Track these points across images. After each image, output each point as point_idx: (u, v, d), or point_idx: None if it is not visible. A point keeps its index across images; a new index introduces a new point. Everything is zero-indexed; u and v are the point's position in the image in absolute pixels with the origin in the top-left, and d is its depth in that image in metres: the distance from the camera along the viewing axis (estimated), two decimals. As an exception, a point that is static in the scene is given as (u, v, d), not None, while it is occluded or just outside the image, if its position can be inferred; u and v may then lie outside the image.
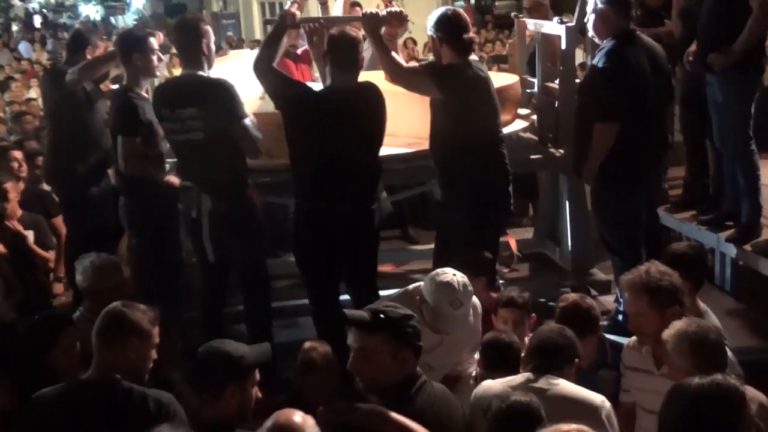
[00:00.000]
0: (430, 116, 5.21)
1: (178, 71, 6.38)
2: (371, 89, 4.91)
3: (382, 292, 4.97)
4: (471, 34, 5.18)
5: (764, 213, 6.09)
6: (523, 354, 3.82)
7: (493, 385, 3.56)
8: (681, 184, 7.23)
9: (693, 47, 6.00)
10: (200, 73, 5.03)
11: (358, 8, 7.53)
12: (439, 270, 4.06)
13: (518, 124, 6.38)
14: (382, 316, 3.17)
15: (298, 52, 7.54)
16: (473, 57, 5.20)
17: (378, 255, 5.29)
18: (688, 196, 6.95)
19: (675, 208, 6.94)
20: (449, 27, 5.09)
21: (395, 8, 5.40)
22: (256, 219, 5.14)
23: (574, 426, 2.41)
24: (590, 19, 5.43)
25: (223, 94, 4.90)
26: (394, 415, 3.04)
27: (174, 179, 5.32)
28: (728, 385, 2.55)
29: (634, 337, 3.98)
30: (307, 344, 4.13)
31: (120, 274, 4.74)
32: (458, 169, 5.16)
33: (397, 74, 5.16)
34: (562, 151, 6.26)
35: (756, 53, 5.84)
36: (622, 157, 5.29)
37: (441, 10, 5.27)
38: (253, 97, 5.73)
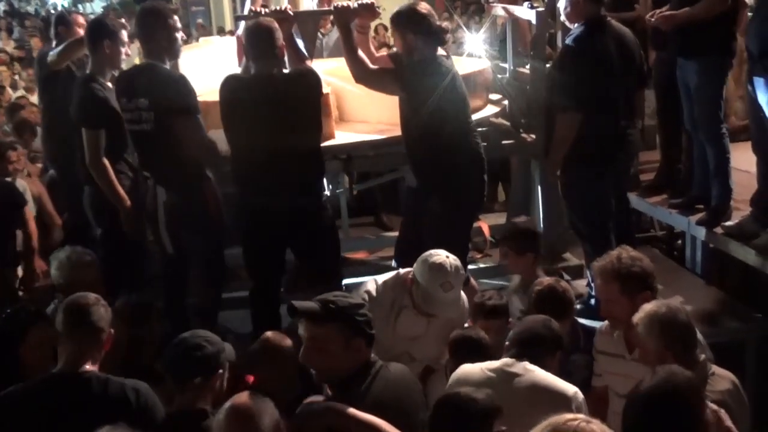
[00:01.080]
0: (399, 106, 5.17)
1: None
2: (298, 76, 4.88)
3: (357, 279, 4.97)
4: (441, 23, 5.14)
5: (734, 196, 6.13)
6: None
7: (472, 369, 3.56)
8: (653, 168, 7.26)
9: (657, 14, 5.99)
10: (158, 63, 4.98)
11: None
12: (432, 251, 4.06)
13: (490, 110, 6.36)
14: (331, 306, 3.13)
15: None
16: (441, 51, 5.13)
17: (351, 243, 5.28)
18: (660, 180, 6.98)
19: (646, 192, 6.97)
20: (415, 22, 5.02)
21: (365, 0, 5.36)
22: (211, 212, 5.07)
23: (569, 415, 2.41)
24: (561, 4, 5.43)
25: (171, 87, 4.87)
26: (350, 410, 3.01)
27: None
28: (681, 384, 2.54)
29: (606, 322, 4.00)
30: (268, 334, 4.09)
31: (95, 270, 4.69)
32: (430, 160, 5.13)
33: (361, 76, 5.12)
34: (533, 136, 6.25)
35: (727, 37, 5.87)
36: (590, 144, 5.31)
37: (404, 5, 5.18)
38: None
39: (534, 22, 6.15)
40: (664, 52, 6.33)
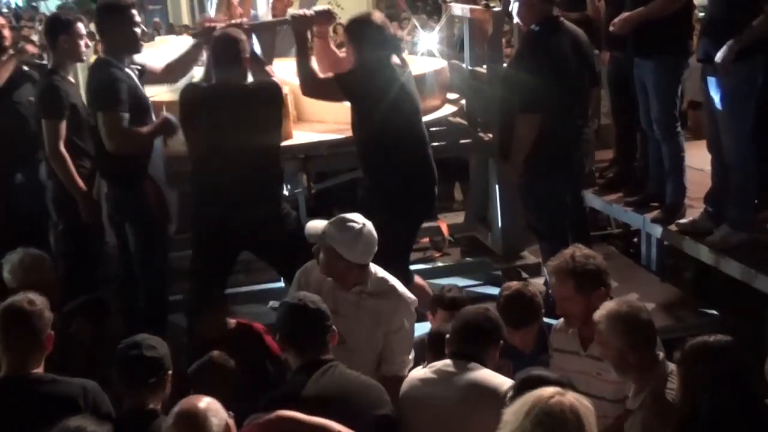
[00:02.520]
0: (350, 111, 5.17)
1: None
2: (259, 88, 4.91)
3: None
4: (395, 32, 5.14)
5: (688, 194, 6.21)
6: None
7: (416, 372, 3.63)
8: (608, 167, 7.34)
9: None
10: (110, 59, 4.99)
11: None
12: (347, 215, 4.06)
13: (447, 109, 6.40)
14: None
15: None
16: (395, 60, 5.11)
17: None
18: (616, 179, 7.05)
19: (602, 191, 7.03)
20: (366, 31, 5.02)
21: (322, 7, 5.35)
22: (148, 210, 5.06)
23: (550, 389, 2.45)
24: (514, 5, 5.46)
25: (97, 84, 4.93)
26: (300, 414, 3.07)
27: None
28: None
29: (561, 320, 4.04)
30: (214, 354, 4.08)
31: (49, 272, 4.61)
32: (376, 166, 5.14)
33: (309, 87, 5.13)
34: (491, 135, 6.29)
35: (682, 36, 5.94)
36: (545, 143, 5.35)
37: (358, 14, 5.18)
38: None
39: (491, 22, 6.18)
40: (618, 52, 6.39)
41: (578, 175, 5.78)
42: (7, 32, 5.72)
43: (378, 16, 5.12)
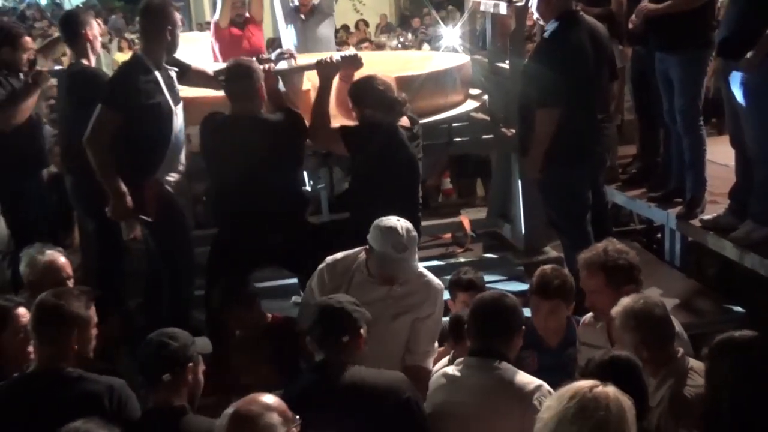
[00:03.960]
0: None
1: (126, 55, 6.33)
2: (280, 118, 4.93)
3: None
4: (398, 96, 5.08)
5: (713, 189, 6.18)
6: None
7: (438, 376, 3.63)
8: (631, 162, 7.31)
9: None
10: (143, 57, 5.00)
11: None
12: (383, 218, 4.10)
13: (470, 104, 6.39)
14: None
15: (246, 16, 7.52)
16: (404, 121, 5.08)
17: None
18: (639, 174, 7.02)
19: (625, 186, 7.01)
20: (369, 96, 5.00)
21: (349, 52, 5.36)
22: (149, 211, 5.05)
23: (589, 382, 2.47)
24: (533, 1, 5.44)
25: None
26: None
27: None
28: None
29: (590, 314, 4.03)
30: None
31: (65, 267, 4.63)
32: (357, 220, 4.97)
33: (317, 131, 5.10)
34: (513, 130, 6.28)
35: (706, 29, 5.92)
36: (566, 138, 5.33)
37: (362, 79, 5.13)
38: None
39: (513, 17, 6.16)
40: (641, 47, 6.37)
41: (599, 170, 5.75)
42: (28, 54, 5.78)
43: (381, 81, 5.07)
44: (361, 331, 3.45)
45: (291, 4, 7.86)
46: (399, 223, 4.05)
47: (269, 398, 2.74)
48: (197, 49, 6.74)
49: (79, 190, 5.55)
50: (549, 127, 5.32)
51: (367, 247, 4.13)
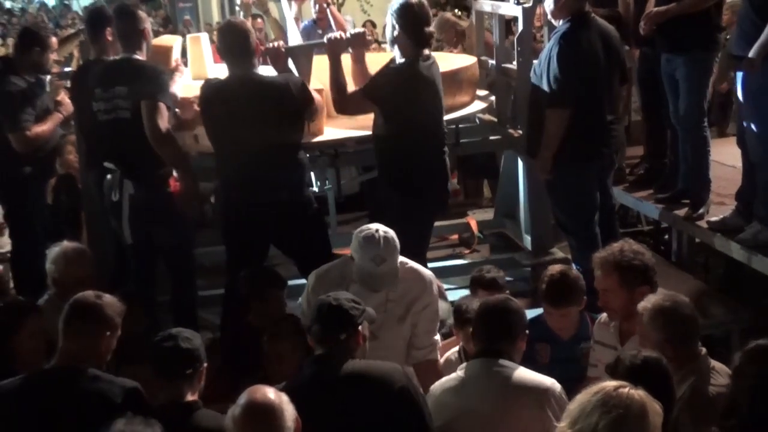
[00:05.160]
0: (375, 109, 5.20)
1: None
2: (276, 81, 4.94)
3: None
4: (430, 28, 5.14)
5: (720, 191, 6.18)
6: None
7: (449, 376, 3.62)
8: (638, 164, 7.31)
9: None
10: (136, 56, 5.04)
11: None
12: (363, 226, 4.09)
13: (477, 105, 6.40)
14: None
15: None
16: (426, 52, 5.13)
17: (339, 239, 5.32)
18: (646, 176, 7.02)
19: (632, 188, 7.01)
20: (409, 17, 5.04)
21: (358, 30, 5.39)
22: (179, 206, 5.09)
23: (615, 383, 2.50)
24: (547, 1, 5.45)
25: (147, 74, 4.96)
26: None
27: None
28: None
29: (605, 314, 4.05)
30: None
31: (89, 265, 4.72)
32: (392, 160, 5.18)
33: (341, 106, 5.20)
34: (520, 131, 6.29)
35: (711, 30, 5.93)
36: (574, 138, 5.33)
37: (402, 3, 5.14)
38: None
39: (520, 19, 6.17)
40: (648, 48, 6.37)
41: (607, 172, 5.76)
42: (54, 55, 5.85)
43: (417, 5, 5.10)
44: (360, 327, 3.42)
45: (307, 21, 7.90)
46: (378, 232, 3.99)
47: (271, 391, 2.83)
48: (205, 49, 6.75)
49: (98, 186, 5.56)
50: (559, 128, 5.32)
51: (351, 255, 4.11)
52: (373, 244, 3.95)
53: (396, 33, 5.07)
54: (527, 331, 3.66)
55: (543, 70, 5.36)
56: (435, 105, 5.17)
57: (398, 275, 4.08)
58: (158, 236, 5.17)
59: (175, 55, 5.97)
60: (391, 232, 4.03)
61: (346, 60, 5.34)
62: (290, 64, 5.31)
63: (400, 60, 5.12)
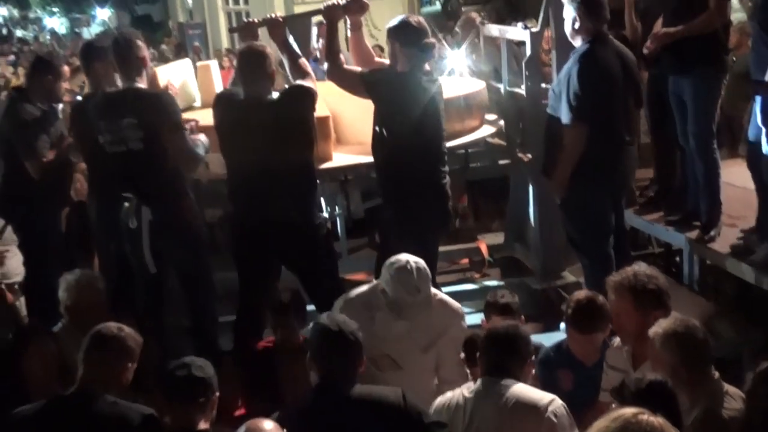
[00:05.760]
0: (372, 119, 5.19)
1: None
2: (288, 98, 4.98)
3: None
4: (428, 40, 5.15)
5: (730, 212, 6.16)
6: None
7: (453, 394, 3.61)
8: (648, 186, 7.30)
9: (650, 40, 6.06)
10: (139, 85, 5.08)
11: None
12: (393, 257, 4.09)
13: (486, 130, 6.42)
14: None
15: None
16: (426, 67, 5.16)
17: (349, 264, 5.32)
18: (656, 197, 7.01)
19: (643, 210, 6.99)
20: (405, 33, 5.08)
21: None
22: (197, 230, 5.15)
23: (634, 409, 2.47)
24: (566, 22, 5.49)
25: (160, 104, 4.99)
26: None
27: None
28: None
29: (617, 338, 4.04)
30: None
31: (101, 292, 4.77)
32: (393, 184, 5.17)
33: (334, 73, 5.20)
34: (529, 155, 6.30)
35: (719, 52, 5.94)
36: (590, 157, 5.34)
37: (400, 17, 5.25)
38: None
39: (528, 43, 6.19)
40: (656, 70, 6.39)
41: (621, 192, 5.75)
42: (66, 83, 5.93)
43: (415, 20, 5.16)
44: (360, 353, 3.41)
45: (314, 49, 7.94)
46: (410, 263, 4.01)
47: (269, 423, 2.92)
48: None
49: (107, 215, 5.59)
50: (578, 144, 5.32)
51: (381, 287, 4.11)
52: (406, 274, 3.98)
53: (398, 49, 5.10)
54: (533, 356, 3.65)
55: (562, 88, 5.36)
56: (432, 120, 5.14)
57: (431, 305, 4.09)
58: (177, 262, 5.18)
59: (162, 81, 6.05)
60: (422, 262, 4.06)
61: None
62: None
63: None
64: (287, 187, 4.94)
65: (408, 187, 5.09)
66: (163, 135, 4.91)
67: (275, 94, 5.02)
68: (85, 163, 5.93)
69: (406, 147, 5.03)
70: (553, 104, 5.51)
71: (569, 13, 5.39)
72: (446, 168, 5.27)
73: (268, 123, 4.86)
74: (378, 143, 5.16)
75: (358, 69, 5.25)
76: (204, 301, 5.31)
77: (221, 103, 5.06)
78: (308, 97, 5.00)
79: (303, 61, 5.23)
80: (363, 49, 5.45)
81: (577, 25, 5.38)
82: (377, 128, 5.11)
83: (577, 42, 5.44)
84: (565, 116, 5.33)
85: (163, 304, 5.33)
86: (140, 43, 5.16)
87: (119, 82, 5.25)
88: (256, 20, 5.28)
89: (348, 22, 5.44)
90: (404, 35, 5.07)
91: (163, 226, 5.03)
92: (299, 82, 5.05)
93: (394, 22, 5.15)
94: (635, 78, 5.63)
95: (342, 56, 5.20)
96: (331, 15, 5.26)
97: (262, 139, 4.86)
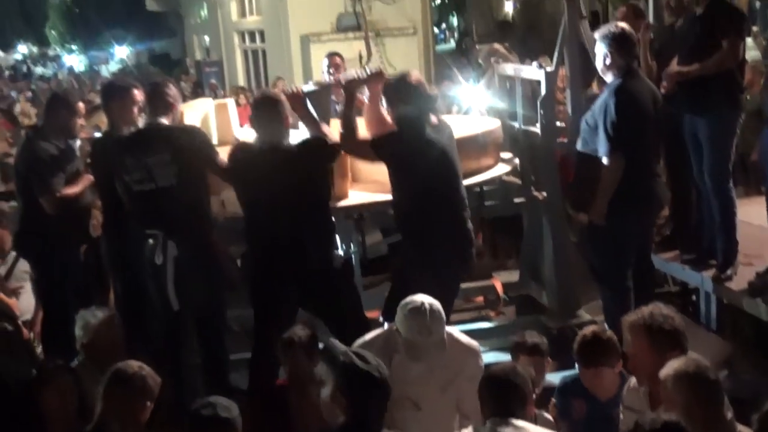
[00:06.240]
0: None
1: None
2: (304, 147, 5.01)
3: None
4: (428, 92, 5.19)
5: (747, 251, 6.14)
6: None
7: None
8: (664, 224, 7.28)
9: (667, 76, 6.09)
10: (164, 121, 5.14)
11: (337, 58, 7.64)
12: (408, 298, 4.08)
13: (501, 168, 6.43)
14: None
15: None
16: (433, 119, 5.18)
17: (365, 301, 5.33)
18: (672, 236, 7.00)
19: (659, 248, 6.97)
20: (404, 93, 5.11)
21: (375, 68, 5.49)
22: (220, 266, 5.17)
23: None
24: (597, 58, 5.53)
25: (196, 138, 5.08)
26: None
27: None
28: None
29: (634, 378, 4.02)
30: None
31: (116, 330, 4.80)
32: (415, 230, 5.17)
33: (347, 144, 5.21)
34: (544, 193, 6.31)
35: (734, 91, 5.96)
36: (625, 189, 5.36)
37: (395, 76, 5.31)
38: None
39: (543, 82, 6.22)
40: (671, 108, 6.40)
41: (652, 224, 5.74)
42: (81, 120, 6.03)
43: (414, 76, 5.20)
44: (389, 395, 3.40)
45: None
46: (424, 304, 4.00)
47: None
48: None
49: (115, 254, 5.64)
50: (616, 174, 5.35)
51: (395, 327, 4.10)
52: (419, 315, 3.96)
53: (399, 107, 5.13)
54: (534, 396, 3.66)
55: (599, 120, 5.38)
56: (447, 169, 5.17)
57: (446, 346, 4.08)
58: (197, 298, 5.16)
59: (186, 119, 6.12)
60: (437, 303, 4.05)
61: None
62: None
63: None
64: (305, 234, 4.97)
65: (430, 239, 5.09)
66: (199, 168, 5.01)
67: (293, 141, 5.07)
68: (101, 200, 5.96)
69: (425, 203, 5.06)
70: (586, 137, 5.55)
71: (601, 49, 5.46)
72: (468, 212, 5.29)
73: (287, 171, 4.90)
74: (397, 204, 5.22)
75: (368, 137, 5.28)
76: (218, 338, 5.31)
77: (238, 152, 5.11)
78: (328, 151, 5.07)
79: (325, 127, 5.28)
80: (379, 117, 5.46)
81: (608, 61, 5.43)
82: (395, 190, 5.18)
83: (609, 77, 5.50)
84: (602, 148, 5.37)
85: (182, 342, 5.32)
86: (174, 88, 5.30)
87: (139, 122, 5.31)
88: (282, 90, 5.35)
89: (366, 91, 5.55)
90: (404, 95, 5.10)
91: (189, 262, 5.04)
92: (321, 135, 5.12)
93: (391, 82, 5.21)
94: (662, 113, 5.65)
95: (357, 125, 5.25)
96: (351, 87, 5.34)
97: (281, 186, 4.89)
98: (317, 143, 5.06)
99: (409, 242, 5.25)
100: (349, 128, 5.17)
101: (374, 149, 5.12)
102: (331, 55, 7.62)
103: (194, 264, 5.06)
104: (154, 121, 5.17)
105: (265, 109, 5.03)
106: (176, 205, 5.03)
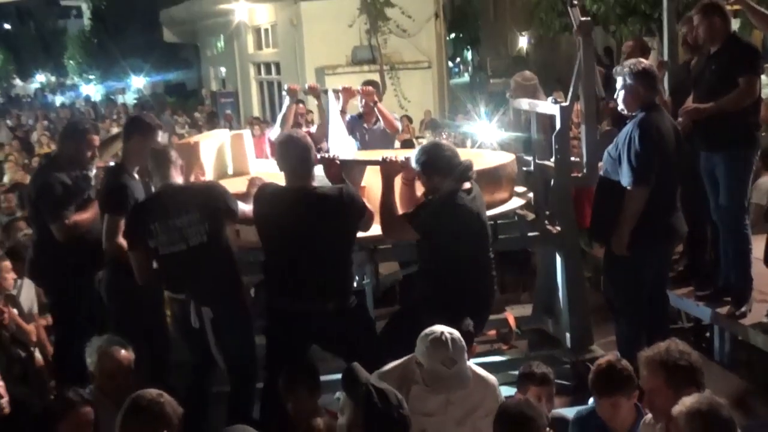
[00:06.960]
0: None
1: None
2: (333, 193, 4.97)
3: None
4: (461, 161, 5.21)
5: (760, 287, 6.11)
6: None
7: None
8: (678, 260, 7.26)
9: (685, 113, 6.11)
10: (179, 181, 5.18)
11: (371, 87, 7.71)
12: (428, 329, 4.07)
13: (516, 202, 6.44)
14: None
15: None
16: (466, 185, 5.19)
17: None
18: (686, 272, 6.98)
19: (673, 284, 6.95)
20: (439, 164, 5.14)
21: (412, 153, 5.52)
22: (251, 320, 5.21)
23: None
24: (620, 94, 5.56)
25: (217, 193, 5.09)
26: None
27: None
28: None
29: (650, 414, 3.99)
30: None
31: (128, 356, 4.78)
32: (441, 295, 5.12)
33: (388, 229, 5.22)
34: (558, 227, 6.31)
35: (751, 129, 5.97)
36: (644, 220, 5.37)
37: (427, 146, 5.35)
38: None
39: (558, 117, 6.24)
40: (688, 145, 6.41)
41: (669, 256, 5.72)
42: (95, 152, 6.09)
43: (446, 146, 5.29)
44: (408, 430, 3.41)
45: (350, 115, 8.01)
46: (444, 335, 4.00)
47: None
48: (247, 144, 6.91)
49: (115, 286, 5.67)
50: (640, 205, 5.38)
51: (417, 359, 4.09)
52: (442, 346, 3.95)
53: (434, 179, 5.16)
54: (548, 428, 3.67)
55: (623, 151, 5.41)
56: (479, 235, 5.21)
57: (468, 376, 4.07)
58: (235, 352, 5.17)
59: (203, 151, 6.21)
60: (457, 333, 4.05)
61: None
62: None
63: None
64: (325, 279, 4.96)
65: (458, 305, 4.97)
66: (224, 222, 5.05)
67: (321, 188, 5.05)
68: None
69: (457, 267, 5.08)
70: (609, 168, 5.58)
71: (624, 84, 5.50)
72: (494, 272, 5.34)
73: (314, 214, 4.89)
74: (427, 265, 5.27)
75: (405, 215, 5.23)
76: (246, 376, 5.26)
77: (263, 195, 5.06)
78: (350, 196, 5.00)
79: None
80: (414, 200, 5.42)
81: (631, 96, 5.48)
82: (425, 253, 5.22)
83: (631, 112, 5.54)
84: (626, 178, 5.39)
85: (207, 389, 5.35)
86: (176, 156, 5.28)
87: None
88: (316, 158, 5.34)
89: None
90: (439, 166, 5.12)
91: (227, 323, 5.05)
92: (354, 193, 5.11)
93: (421, 156, 5.21)
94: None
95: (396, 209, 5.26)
96: (389, 170, 5.29)
97: (305, 229, 4.90)
98: (345, 192, 4.99)
99: (434, 301, 5.14)
100: (390, 213, 5.17)
101: (414, 227, 5.10)
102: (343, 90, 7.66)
103: (232, 324, 5.08)
104: (170, 183, 5.15)
105: (294, 154, 4.99)
106: (207, 262, 5.03)
